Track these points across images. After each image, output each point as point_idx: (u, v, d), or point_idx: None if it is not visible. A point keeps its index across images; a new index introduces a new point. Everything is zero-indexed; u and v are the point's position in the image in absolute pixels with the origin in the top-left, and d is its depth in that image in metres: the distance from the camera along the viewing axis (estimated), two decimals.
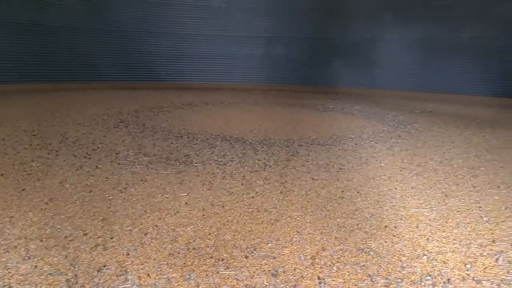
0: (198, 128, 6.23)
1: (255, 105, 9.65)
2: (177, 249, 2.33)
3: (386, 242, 2.49)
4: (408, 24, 14.50)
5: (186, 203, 3.05)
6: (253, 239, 2.49)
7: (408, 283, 2.03)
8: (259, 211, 2.95)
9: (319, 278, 2.07)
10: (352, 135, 6.09)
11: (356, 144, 5.45)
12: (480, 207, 3.12)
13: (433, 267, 2.19)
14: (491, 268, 2.18)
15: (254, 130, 6.27)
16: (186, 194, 3.27)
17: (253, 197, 3.25)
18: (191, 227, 2.64)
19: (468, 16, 13.50)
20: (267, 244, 2.43)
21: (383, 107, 9.77)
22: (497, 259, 2.27)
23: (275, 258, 2.27)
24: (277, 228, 2.66)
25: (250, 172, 3.98)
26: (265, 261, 2.23)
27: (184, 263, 2.18)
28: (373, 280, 2.05)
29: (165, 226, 2.63)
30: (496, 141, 5.78)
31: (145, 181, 3.56)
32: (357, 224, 2.76)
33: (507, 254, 2.34)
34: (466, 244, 2.46)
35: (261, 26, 16.17)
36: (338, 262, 2.23)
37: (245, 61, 16.32)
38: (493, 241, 2.51)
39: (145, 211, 2.89)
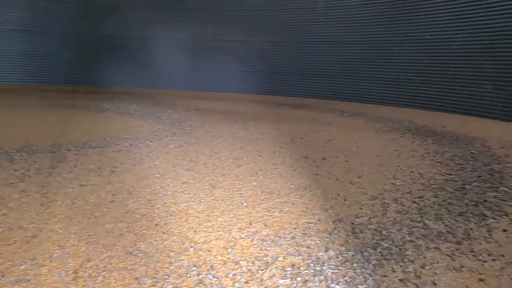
0: None
1: (14, 107, 8.42)
2: None
3: (156, 240, 2.49)
4: (182, 24, 15.08)
5: None
6: (2, 264, 2.13)
7: (175, 278, 2.07)
8: (11, 230, 2.55)
9: None
10: (127, 135, 5.94)
11: (131, 144, 5.34)
12: (241, 194, 3.46)
13: (199, 257, 2.30)
14: (247, 248, 2.42)
15: (11, 136, 5.44)
16: None
17: (5, 214, 2.79)
18: None
19: (234, 19, 14.94)
20: (20, 266, 2.11)
21: (160, 106, 9.90)
22: (252, 239, 2.54)
23: (29, 280, 1.99)
24: (34, 245, 2.35)
25: (3, 185, 3.42)
26: (17, 286, 1.93)
27: None
28: (140, 282, 2.01)
29: None
30: (257, 133, 6.56)
31: None
32: (127, 227, 2.68)
33: (260, 233, 2.65)
34: (228, 230, 2.68)
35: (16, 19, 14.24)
36: (104, 271, 2.10)
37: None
38: (250, 223, 2.81)
39: None
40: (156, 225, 2.73)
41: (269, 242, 2.52)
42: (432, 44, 10.58)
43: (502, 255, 2.43)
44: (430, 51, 10.66)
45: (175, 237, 2.55)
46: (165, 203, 3.17)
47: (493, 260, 2.37)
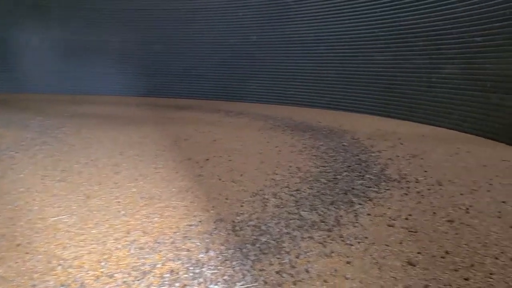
0: None
1: None
2: None
3: (17, 263, 2.23)
4: (54, 25, 13.90)
5: None
6: None
7: None
8: None
9: None
10: None
11: None
12: (119, 202, 3.28)
13: (68, 275, 2.11)
14: (124, 259, 2.29)
15: None
16: None
17: None
18: None
19: (110, 18, 14.19)
20: None
21: (28, 112, 8.97)
22: (129, 249, 2.42)
23: None
24: None
25: None
26: None
27: None
28: None
29: None
30: (138, 137, 6.31)
31: None
32: None
33: (138, 241, 2.53)
34: (103, 242, 2.51)
35: None
36: None
37: None
38: (128, 232, 2.67)
39: None
40: (18, 245, 2.45)
41: (148, 250, 2.42)
42: (303, 43, 11.29)
43: (366, 237, 2.67)
44: (302, 50, 11.36)
45: (40, 256, 2.31)
46: (30, 219, 2.86)
47: (359, 242, 2.59)
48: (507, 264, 2.32)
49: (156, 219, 2.93)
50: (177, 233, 2.67)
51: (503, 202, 3.44)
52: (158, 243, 2.52)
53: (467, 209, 3.26)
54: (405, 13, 8.62)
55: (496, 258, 2.39)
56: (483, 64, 6.70)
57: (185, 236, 2.63)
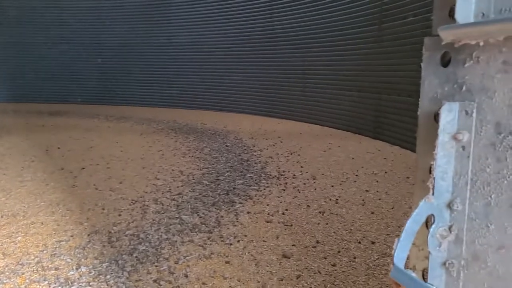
0: None
1: None
2: None
3: None
4: None
5: None
6: None
7: None
8: None
9: None
10: None
11: None
12: None
13: None
14: None
15: None
16: None
17: None
18: None
19: None
20: None
21: None
22: None
23: None
24: None
25: None
26: None
27: None
28: None
29: None
30: (2, 148, 5.66)
31: None
32: None
33: None
34: None
35: None
36: None
37: None
38: None
39: None
40: None
41: (8, 273, 2.18)
42: (186, 47, 11.24)
43: (245, 235, 2.75)
44: (186, 53, 11.30)
45: None
46: None
47: (238, 241, 2.65)
48: (368, 247, 2.58)
49: (19, 238, 2.65)
50: (44, 251, 2.45)
51: (366, 190, 3.81)
52: (21, 264, 2.28)
53: (337, 199, 3.55)
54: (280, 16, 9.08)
55: (359, 243, 2.64)
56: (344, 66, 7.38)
57: (54, 254, 2.42)
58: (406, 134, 5.68)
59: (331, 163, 4.93)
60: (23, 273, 2.18)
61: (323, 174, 4.40)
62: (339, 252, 2.50)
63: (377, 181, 4.13)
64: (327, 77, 7.97)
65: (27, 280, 2.11)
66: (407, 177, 4.28)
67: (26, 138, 6.49)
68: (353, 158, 5.19)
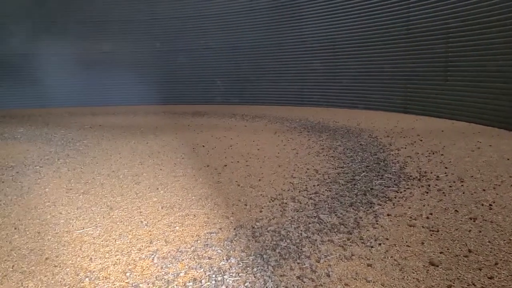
0: None
1: None
2: None
3: (46, 276, 2.31)
4: (64, 38, 14.25)
5: None
6: None
7: None
8: None
9: None
10: (12, 163, 5.43)
11: (18, 172, 4.89)
12: (141, 212, 3.35)
13: (95, 286, 2.18)
14: (148, 269, 2.35)
15: None
16: None
17: None
18: None
19: (117, 30, 14.45)
20: None
21: (50, 126, 9.21)
22: (153, 259, 2.48)
23: None
24: None
25: None
26: None
27: None
28: None
29: None
30: (157, 146, 6.42)
31: None
32: (13, 266, 2.45)
33: (161, 251, 2.59)
34: (127, 253, 2.58)
35: None
36: None
37: None
38: (151, 242, 2.73)
39: None
40: (47, 259, 2.53)
41: (170, 259, 2.48)
42: (316, 47, 11.27)
43: (387, 239, 2.67)
44: (315, 54, 11.34)
45: (68, 269, 2.39)
46: (56, 233, 2.95)
47: (379, 244, 2.59)
48: None
49: (177, 227, 2.98)
50: (198, 241, 2.72)
51: None
52: (180, 252, 2.57)
53: (490, 205, 3.22)
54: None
55: None
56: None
57: (206, 244, 2.67)
58: None
59: (481, 164, 4.47)
60: (182, 260, 2.46)
61: (472, 176, 4.03)
62: (496, 264, 2.27)
63: None
64: (474, 68, 7.23)
65: (186, 266, 2.37)
66: None
67: (175, 137, 7.25)
68: (508, 159, 4.63)
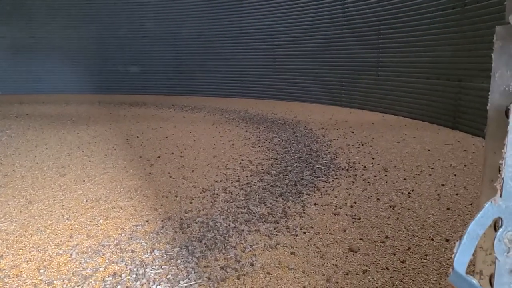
0: None
1: None
2: None
3: None
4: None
5: None
6: None
7: None
8: None
9: None
10: None
11: None
12: (63, 205, 3.18)
13: (4, 285, 2.04)
14: (65, 265, 2.24)
15: None
16: None
17: None
18: None
19: (53, 14, 13.65)
20: None
21: None
22: (71, 254, 2.36)
23: None
24: None
25: None
26: None
27: None
28: None
29: None
30: (88, 136, 6.14)
31: None
32: None
33: (81, 246, 2.47)
34: (43, 248, 2.43)
35: None
36: None
37: None
38: (71, 237, 2.60)
39: None
40: None
41: (91, 253, 2.37)
42: (256, 39, 11.32)
43: (312, 227, 2.73)
44: (258, 43, 11.39)
45: None
46: None
47: (304, 233, 2.64)
48: (441, 245, 2.44)
49: (101, 221, 2.87)
50: (123, 235, 2.63)
51: (442, 185, 3.61)
52: (102, 246, 2.47)
53: (409, 193, 3.40)
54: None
55: (432, 240, 2.52)
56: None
57: (131, 237, 2.59)
58: None
59: (405, 155, 4.72)
60: (103, 254, 2.36)
61: (395, 167, 4.24)
62: (409, 248, 2.40)
63: (455, 175, 3.89)
64: (402, 64, 7.61)
65: (106, 261, 2.28)
66: None
67: (109, 127, 6.98)
68: (429, 150, 4.93)
